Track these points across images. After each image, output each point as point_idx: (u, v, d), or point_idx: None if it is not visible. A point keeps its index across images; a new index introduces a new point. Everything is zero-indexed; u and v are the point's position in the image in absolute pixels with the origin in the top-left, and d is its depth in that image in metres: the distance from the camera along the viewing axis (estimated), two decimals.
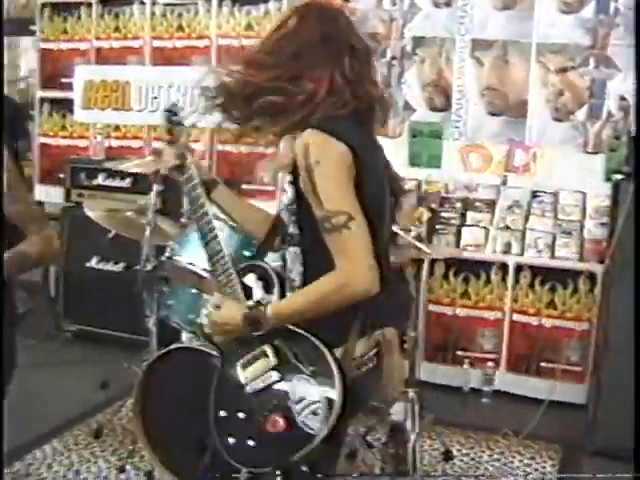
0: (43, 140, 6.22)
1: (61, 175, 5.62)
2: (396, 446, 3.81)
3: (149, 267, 3.90)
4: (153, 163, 4.05)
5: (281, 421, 2.05)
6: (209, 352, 3.40)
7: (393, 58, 5.52)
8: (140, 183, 5.23)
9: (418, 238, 3.52)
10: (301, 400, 2.05)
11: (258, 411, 2.13)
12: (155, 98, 5.67)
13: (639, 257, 3.67)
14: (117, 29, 6.00)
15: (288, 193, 2.10)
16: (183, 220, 3.89)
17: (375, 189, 2.12)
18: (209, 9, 5.64)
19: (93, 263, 5.40)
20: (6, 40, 6.64)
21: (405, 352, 3.95)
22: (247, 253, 3.77)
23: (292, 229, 2.12)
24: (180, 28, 5.75)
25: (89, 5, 6.05)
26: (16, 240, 2.34)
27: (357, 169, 2.04)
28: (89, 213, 4.17)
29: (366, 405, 2.32)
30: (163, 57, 5.85)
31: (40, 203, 5.67)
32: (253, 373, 2.16)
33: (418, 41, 5.43)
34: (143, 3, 5.86)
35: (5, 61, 6.50)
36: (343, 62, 2.09)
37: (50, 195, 5.85)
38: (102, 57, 6.08)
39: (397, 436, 3.89)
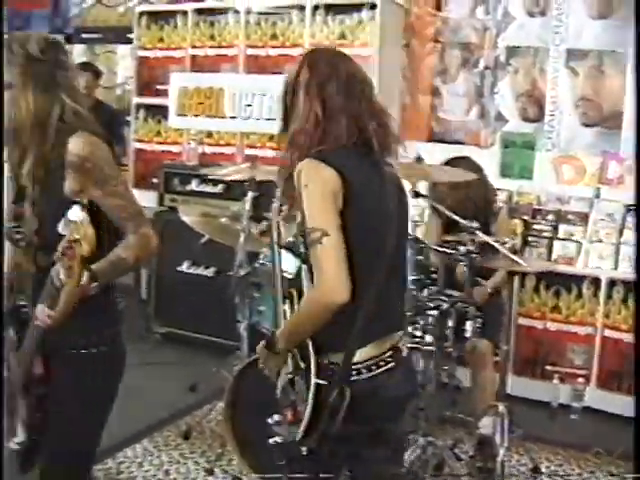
0: (138, 145, 6.35)
1: (155, 180, 5.72)
2: (484, 460, 3.77)
3: (242, 273, 3.93)
4: (249, 170, 4.09)
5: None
6: None
7: (486, 68, 5.48)
8: (232, 190, 5.29)
9: (512, 250, 3.48)
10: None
11: None
12: (248, 106, 5.73)
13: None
14: (212, 37, 6.09)
15: (298, 217, 2.29)
16: None
17: (368, 214, 2.28)
18: (303, 18, 5.66)
19: (184, 267, 5.48)
20: (104, 48, 6.82)
21: (497, 365, 3.92)
22: None
23: (302, 248, 2.28)
24: (274, 37, 5.80)
25: (185, 14, 6.15)
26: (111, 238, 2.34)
27: (345, 192, 2.22)
28: (184, 218, 4.23)
29: (390, 403, 2.39)
30: (257, 65, 5.91)
31: None
32: None
33: (512, 51, 5.37)
34: (238, 12, 5.93)
35: (103, 68, 6.66)
36: (334, 100, 2.31)
37: (144, 200, 5.95)
38: (197, 64, 6.17)
39: (485, 449, 3.85)
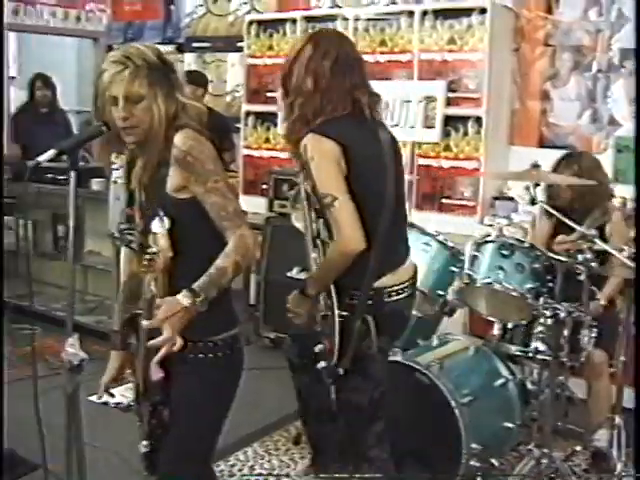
0: (247, 152, 6.42)
1: (264, 186, 5.78)
2: (599, 474, 3.68)
3: None
4: None
5: None
6: (416, 367, 3.44)
7: (599, 71, 5.34)
8: None
9: (631, 258, 3.37)
10: None
11: None
12: None
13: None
14: None
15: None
16: None
17: (369, 174, 2.80)
18: (411, 24, 5.63)
19: (294, 273, 5.50)
20: (213, 56, 6.93)
21: (613, 377, 3.81)
22: (454, 269, 3.76)
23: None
24: (382, 43, 5.78)
25: (294, 22, 6.20)
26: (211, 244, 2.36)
27: (346, 158, 2.72)
28: (296, 224, 4.24)
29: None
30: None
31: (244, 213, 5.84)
32: None
33: (626, 53, 5.21)
34: (346, 19, 5.94)
35: (213, 76, 6.77)
36: (327, 75, 2.77)
37: (253, 206, 6.04)
38: None
39: (600, 464, 3.76)
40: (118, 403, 4.28)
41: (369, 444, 3.01)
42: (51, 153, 2.31)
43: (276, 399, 4.75)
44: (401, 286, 2.93)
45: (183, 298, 2.19)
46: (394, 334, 3.08)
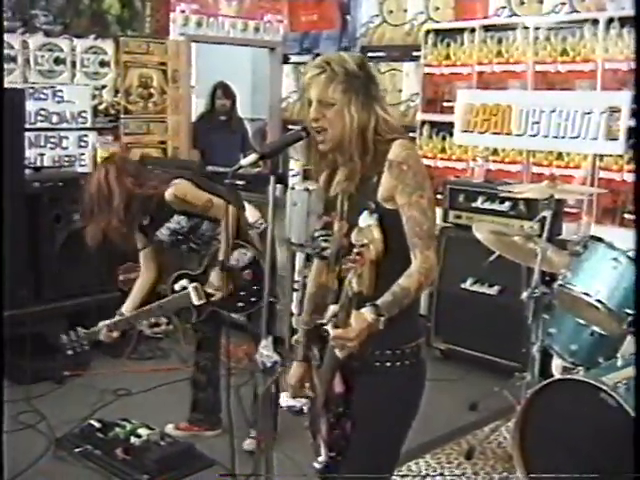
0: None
1: (439, 196, 5.75)
2: None
3: (538, 293, 3.85)
4: (547, 188, 4.01)
5: None
6: (602, 387, 3.33)
7: None
8: (519, 208, 5.22)
9: None
10: None
11: None
12: (536, 123, 5.62)
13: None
14: (499, 54, 6.05)
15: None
16: (577, 248, 3.80)
17: None
18: (595, 32, 5.47)
19: (468, 284, 5.46)
20: (388, 65, 6.95)
21: None
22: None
23: None
24: (564, 52, 5.65)
25: (472, 31, 6.16)
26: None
27: None
28: (477, 235, 4.22)
29: None
30: (545, 81, 5.79)
31: None
32: None
33: None
34: (527, 28, 5.84)
35: (388, 85, 6.81)
36: None
37: None
38: (483, 81, 6.17)
39: None
40: (291, 406, 4.33)
41: None
42: (252, 158, 2.38)
43: (447, 411, 4.73)
44: None
45: (368, 314, 2.20)
46: None
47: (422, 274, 2.29)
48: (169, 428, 4.32)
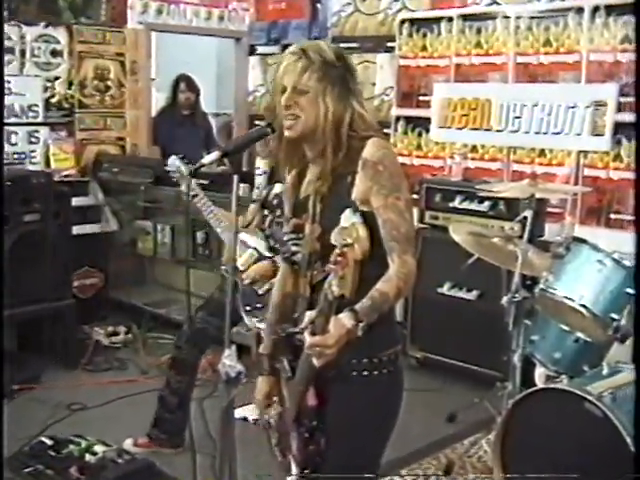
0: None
1: (415, 196, 5.75)
2: None
3: (519, 298, 3.86)
4: (528, 187, 4.02)
5: None
6: (586, 397, 3.35)
7: None
8: (499, 208, 5.23)
9: None
10: None
11: None
12: (517, 118, 5.65)
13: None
14: (478, 44, 6.07)
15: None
16: (559, 250, 3.82)
17: None
18: (580, 21, 5.50)
19: (445, 289, 5.47)
20: (361, 57, 6.96)
21: None
22: (630, 291, 3.66)
23: None
24: (547, 42, 5.68)
25: (450, 20, 6.18)
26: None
27: None
28: (455, 236, 4.23)
29: None
30: (527, 74, 5.82)
31: None
32: None
33: None
34: (508, 17, 5.87)
35: (361, 78, 6.80)
36: None
37: None
38: (461, 74, 6.18)
39: None
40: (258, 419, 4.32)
41: None
42: (214, 155, 2.37)
43: (424, 423, 4.73)
44: None
45: (347, 319, 2.19)
46: None
47: (401, 279, 2.29)
48: (127, 444, 4.28)
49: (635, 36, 4.57)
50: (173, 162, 4.41)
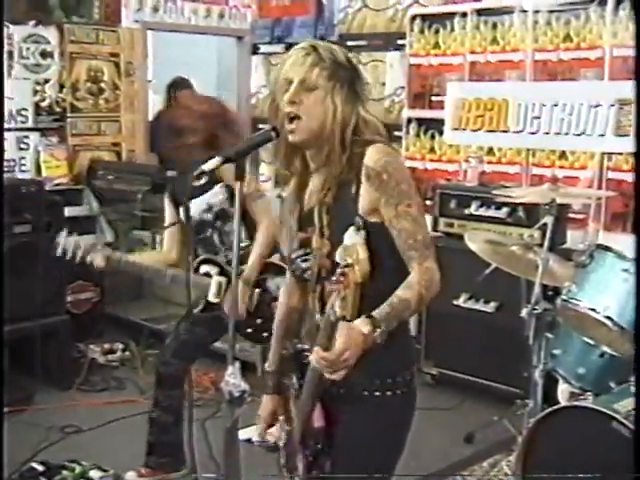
0: (409, 164, 6.41)
1: (428, 202, 5.77)
2: None
3: (540, 310, 3.87)
4: (549, 192, 4.03)
5: None
6: (609, 414, 3.35)
7: None
8: (518, 214, 5.24)
9: None
10: None
11: None
12: (536, 118, 5.66)
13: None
14: (494, 41, 6.09)
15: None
16: (582, 258, 3.81)
17: None
18: (603, 14, 5.51)
19: (461, 301, 5.47)
20: (370, 56, 6.98)
21: None
22: None
23: None
24: (567, 37, 5.69)
25: (464, 15, 6.20)
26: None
27: None
28: (471, 245, 4.24)
29: None
30: (547, 71, 5.84)
31: None
32: None
33: None
34: (525, 11, 5.88)
35: (370, 78, 6.82)
36: None
37: None
38: (476, 72, 6.21)
39: None
40: (263, 441, 4.32)
41: None
42: (216, 161, 2.37)
43: (440, 444, 4.73)
44: None
45: (363, 325, 2.16)
46: None
47: (423, 286, 2.29)
48: (130, 476, 4.25)
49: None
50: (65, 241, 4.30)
